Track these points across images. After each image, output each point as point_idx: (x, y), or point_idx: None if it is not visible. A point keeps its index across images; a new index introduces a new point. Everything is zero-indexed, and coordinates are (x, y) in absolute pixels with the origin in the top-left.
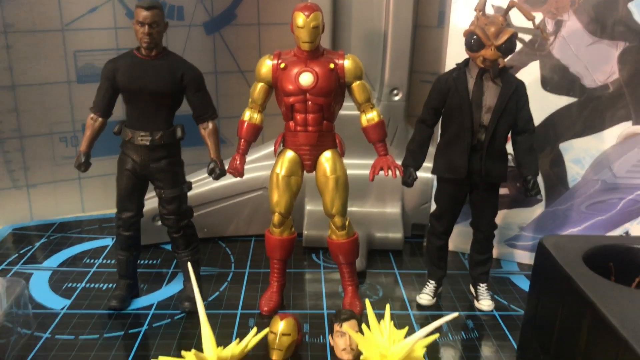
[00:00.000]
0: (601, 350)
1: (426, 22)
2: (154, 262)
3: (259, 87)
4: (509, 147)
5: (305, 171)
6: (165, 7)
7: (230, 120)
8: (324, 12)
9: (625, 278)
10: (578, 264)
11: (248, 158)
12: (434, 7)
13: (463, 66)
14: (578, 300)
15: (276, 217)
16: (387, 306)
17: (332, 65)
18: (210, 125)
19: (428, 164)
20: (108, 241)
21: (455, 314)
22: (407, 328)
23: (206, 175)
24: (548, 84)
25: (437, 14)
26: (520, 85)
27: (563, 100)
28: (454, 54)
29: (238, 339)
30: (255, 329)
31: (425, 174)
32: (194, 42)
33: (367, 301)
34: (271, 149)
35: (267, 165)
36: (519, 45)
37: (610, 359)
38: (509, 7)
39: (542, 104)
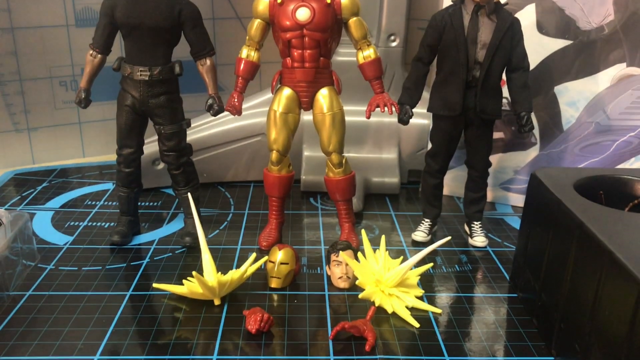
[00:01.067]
0: (588, 267)
1: None
2: (155, 204)
3: (256, 24)
4: (505, 93)
5: (302, 109)
6: None
7: (228, 67)
8: None
9: (615, 207)
10: (569, 190)
11: (246, 104)
12: None
13: (459, 2)
14: (568, 223)
15: (274, 155)
16: (383, 237)
17: (328, 1)
18: (208, 61)
19: (424, 110)
20: (109, 185)
21: (447, 238)
22: (401, 257)
23: (205, 120)
24: (543, 27)
25: None
26: (516, 22)
27: (558, 43)
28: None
29: (238, 268)
30: (254, 255)
31: (421, 120)
32: None
33: (362, 232)
34: (269, 95)
35: (266, 111)
36: None
37: (596, 276)
38: None
39: (538, 47)
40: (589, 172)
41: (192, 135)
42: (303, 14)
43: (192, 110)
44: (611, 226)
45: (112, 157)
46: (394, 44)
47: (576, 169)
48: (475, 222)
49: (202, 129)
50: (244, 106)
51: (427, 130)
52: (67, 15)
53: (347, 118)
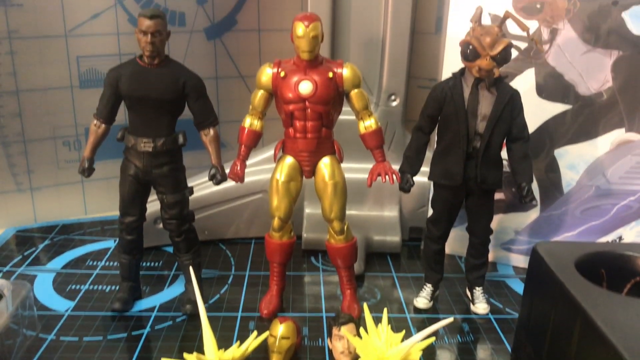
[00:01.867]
0: (591, 356)
1: (424, 28)
2: (156, 264)
3: (259, 95)
4: (504, 154)
5: (304, 177)
6: (166, 13)
7: (231, 124)
8: (324, 18)
9: (616, 284)
10: (570, 270)
11: (248, 162)
12: (432, 14)
13: (459, 75)
14: (570, 307)
15: (276, 222)
16: (385, 310)
17: (330, 74)
18: (212, 131)
19: (425, 167)
20: (110, 243)
21: (450, 319)
22: (404, 332)
23: (207, 179)
24: (543, 91)
25: (435, 21)
26: (515, 94)
27: (558, 107)
28: (451, 60)
29: (239, 342)
30: (255, 333)
31: (422, 178)
32: (195, 47)
33: (364, 305)
34: (271, 152)
35: (267, 168)
36: (514, 53)
37: None
38: (504, 18)
39: (537, 111)
40: (591, 248)
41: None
42: (306, 88)
43: (193, 167)
44: (612, 314)
45: (113, 212)
46: (394, 104)
47: (578, 245)
48: (477, 288)
49: (204, 187)
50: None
51: (428, 188)
52: (71, 77)
53: (347, 175)
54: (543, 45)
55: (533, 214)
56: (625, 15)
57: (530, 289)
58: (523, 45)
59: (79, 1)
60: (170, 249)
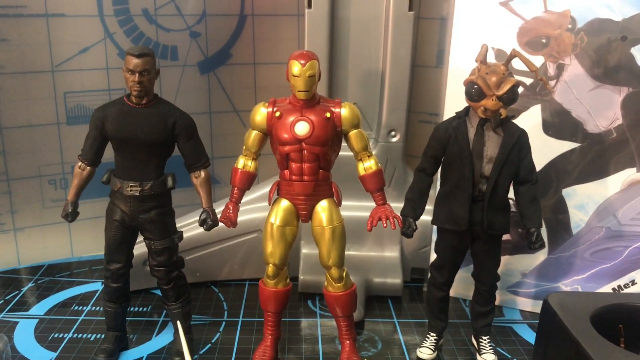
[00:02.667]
0: None
1: (425, 61)
2: (144, 309)
3: (253, 135)
4: (510, 193)
5: (300, 221)
6: (158, 47)
7: (225, 160)
8: (321, 52)
9: (635, 341)
10: (585, 326)
11: (243, 199)
12: (433, 47)
13: (463, 115)
14: None
15: (270, 269)
16: None
17: (328, 114)
18: (203, 173)
19: (429, 206)
20: (98, 285)
21: None
22: None
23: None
24: (550, 129)
25: (436, 54)
26: (523, 135)
27: (565, 145)
28: (454, 94)
29: None
30: None
31: (425, 216)
32: (188, 82)
33: None
34: (266, 189)
35: (262, 207)
36: (519, 89)
37: None
38: (511, 57)
39: (544, 149)
40: (606, 300)
41: (184, 234)
42: (302, 129)
43: (185, 205)
44: None
45: (102, 252)
46: (394, 140)
47: (593, 296)
48: (484, 337)
49: (195, 226)
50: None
51: (430, 227)
52: (58, 113)
53: (346, 213)
54: (551, 87)
55: (541, 256)
56: (635, 50)
57: (542, 345)
58: (528, 80)
59: (66, 35)
60: (159, 292)
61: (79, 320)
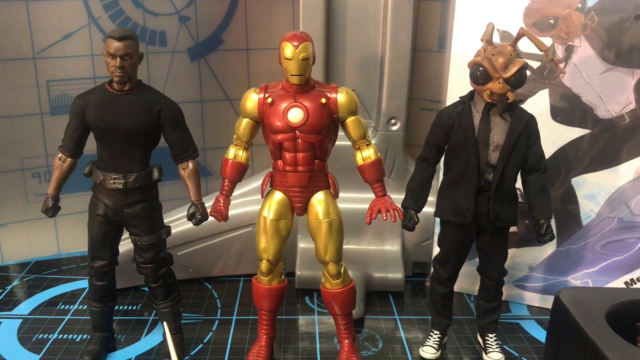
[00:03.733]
0: None
1: (426, 46)
2: (133, 307)
3: (244, 123)
4: (518, 183)
5: (295, 214)
6: (146, 33)
7: (217, 151)
8: (316, 37)
9: None
10: (601, 324)
11: (236, 192)
12: (434, 30)
13: (468, 99)
14: None
15: (264, 265)
16: None
17: (323, 100)
18: (191, 165)
19: (431, 197)
20: (86, 283)
21: None
22: None
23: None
24: (558, 115)
25: (438, 38)
26: (531, 120)
27: (575, 132)
28: (456, 80)
29: None
30: None
31: (427, 208)
32: (178, 69)
33: None
34: (260, 182)
35: (257, 199)
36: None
37: None
38: (519, 36)
39: (552, 136)
40: (622, 296)
41: (175, 228)
42: (295, 116)
43: (174, 199)
44: None
45: None
46: (394, 128)
47: (607, 291)
48: (490, 335)
49: (186, 220)
50: (232, 194)
51: (433, 219)
52: (41, 103)
53: (344, 205)
54: (563, 68)
55: (549, 249)
56: None
57: (553, 344)
58: (536, 64)
59: (48, 20)
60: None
61: (65, 320)
